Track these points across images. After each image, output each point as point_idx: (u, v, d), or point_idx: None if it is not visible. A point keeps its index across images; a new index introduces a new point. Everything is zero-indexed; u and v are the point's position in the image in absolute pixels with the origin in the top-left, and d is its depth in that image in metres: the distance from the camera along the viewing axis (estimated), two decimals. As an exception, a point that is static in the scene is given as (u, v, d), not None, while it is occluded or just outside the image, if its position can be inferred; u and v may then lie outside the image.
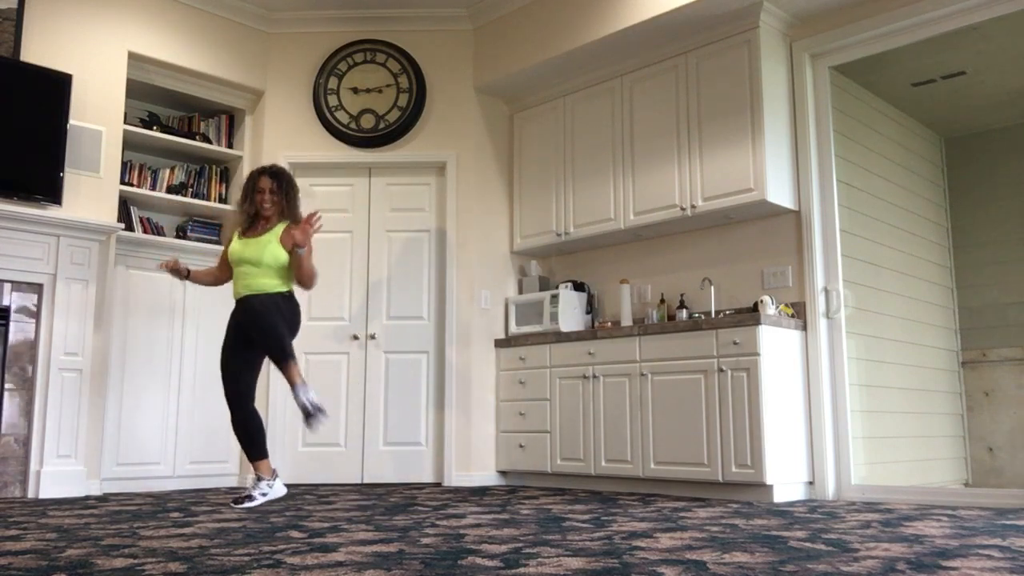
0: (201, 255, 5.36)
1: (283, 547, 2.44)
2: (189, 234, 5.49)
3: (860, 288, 4.95)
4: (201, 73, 5.43)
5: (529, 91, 5.72)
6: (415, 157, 5.64)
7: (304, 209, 4.33)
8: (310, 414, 3.79)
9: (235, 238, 4.19)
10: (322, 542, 2.55)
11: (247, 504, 3.83)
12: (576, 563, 2.13)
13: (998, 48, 5.10)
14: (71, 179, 4.70)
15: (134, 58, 5.13)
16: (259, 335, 3.98)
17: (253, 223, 4.18)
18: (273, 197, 4.12)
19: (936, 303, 6.07)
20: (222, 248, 4.60)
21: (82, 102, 4.79)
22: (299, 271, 4.08)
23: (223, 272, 4.31)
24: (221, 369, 4.12)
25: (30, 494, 4.37)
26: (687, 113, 4.85)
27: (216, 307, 5.40)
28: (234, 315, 4.15)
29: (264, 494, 3.93)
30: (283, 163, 5.60)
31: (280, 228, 4.13)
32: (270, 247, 4.07)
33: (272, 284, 4.07)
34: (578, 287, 5.42)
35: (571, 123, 5.50)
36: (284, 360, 3.92)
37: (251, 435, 4.01)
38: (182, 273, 4.18)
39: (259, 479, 3.96)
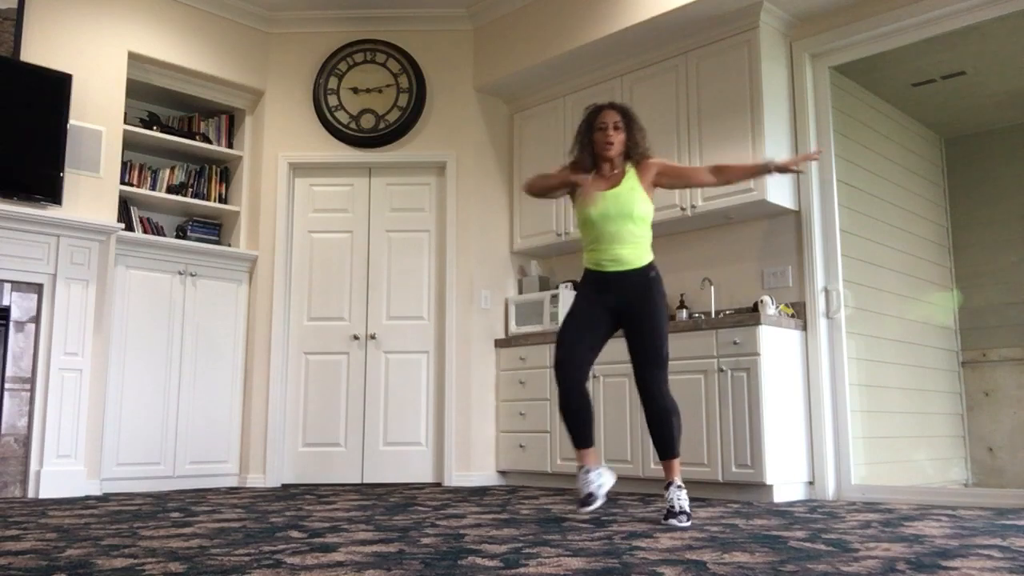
0: (201, 255, 5.36)
1: (283, 547, 2.44)
2: (189, 234, 5.49)
3: (860, 288, 4.95)
4: (201, 73, 5.43)
5: (529, 91, 5.72)
6: (415, 157, 5.64)
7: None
8: (675, 513, 3.08)
9: (586, 198, 3.30)
10: (322, 542, 2.55)
11: (595, 505, 3.20)
12: (576, 563, 2.13)
13: (998, 48, 5.10)
14: (71, 179, 4.70)
15: (134, 58, 5.13)
16: (648, 335, 3.22)
17: (597, 170, 3.34)
18: (619, 135, 3.29)
19: (936, 303, 6.07)
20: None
21: (82, 102, 4.79)
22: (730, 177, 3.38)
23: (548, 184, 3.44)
24: (559, 344, 3.27)
25: (30, 494, 4.37)
26: (687, 113, 4.85)
27: (216, 307, 5.40)
28: (591, 285, 3.33)
29: (600, 485, 3.23)
30: (283, 163, 5.61)
31: (633, 173, 3.32)
32: (638, 196, 3.27)
33: (647, 254, 3.31)
34: (578, 287, 5.41)
35: (571, 123, 5.49)
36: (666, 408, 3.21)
37: (585, 421, 3.27)
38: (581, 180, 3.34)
39: (588, 470, 3.24)
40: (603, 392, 4.81)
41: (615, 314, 3.28)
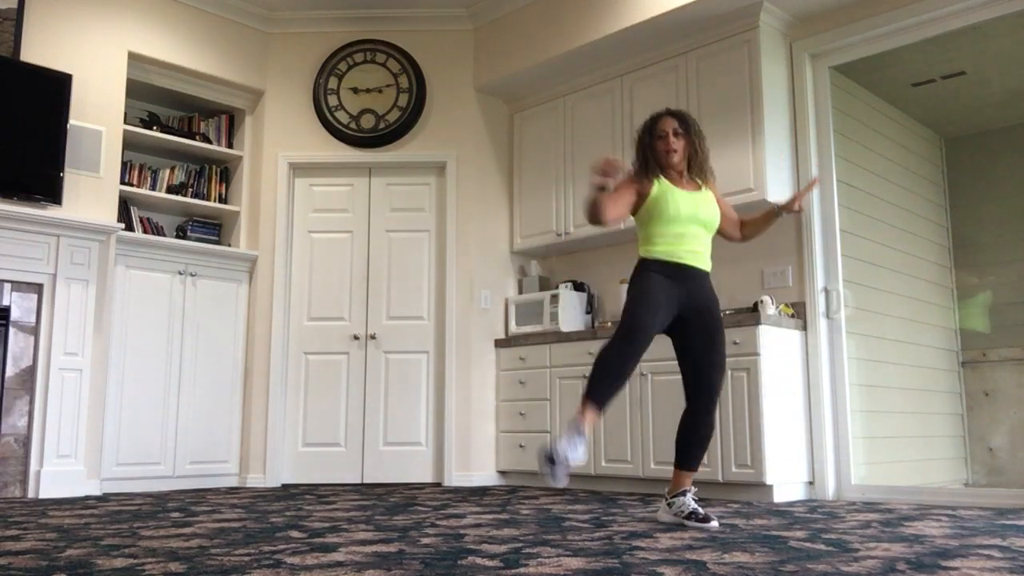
0: (201, 255, 5.36)
1: (283, 547, 2.44)
2: (189, 234, 5.49)
3: (860, 288, 4.95)
4: (201, 73, 5.43)
5: (529, 91, 5.72)
6: (415, 157, 5.64)
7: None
8: (707, 517, 3.03)
9: (667, 188, 3.19)
10: (322, 542, 2.55)
11: (713, 522, 3.02)
12: (576, 563, 2.13)
13: (998, 48, 5.10)
14: (71, 179, 4.70)
15: (134, 58, 5.13)
16: (711, 341, 3.14)
17: (667, 176, 3.25)
18: (679, 141, 3.22)
19: (936, 303, 6.07)
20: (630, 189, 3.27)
21: (82, 102, 4.79)
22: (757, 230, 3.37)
23: (626, 208, 3.25)
24: (637, 318, 3.07)
25: (30, 494, 4.37)
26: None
27: (216, 307, 5.40)
28: (666, 275, 3.13)
29: (579, 458, 2.94)
30: (283, 163, 5.61)
31: (710, 187, 3.29)
32: (715, 207, 3.26)
33: (709, 258, 3.26)
34: (578, 287, 5.42)
35: (571, 123, 5.50)
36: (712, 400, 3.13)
37: (619, 389, 3.06)
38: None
39: (581, 431, 2.96)
40: (603, 392, 4.81)
41: (679, 308, 3.14)
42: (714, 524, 2.99)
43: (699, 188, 3.26)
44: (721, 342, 3.16)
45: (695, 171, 3.27)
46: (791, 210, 3.32)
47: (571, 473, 2.84)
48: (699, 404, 3.13)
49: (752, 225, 3.42)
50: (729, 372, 4.25)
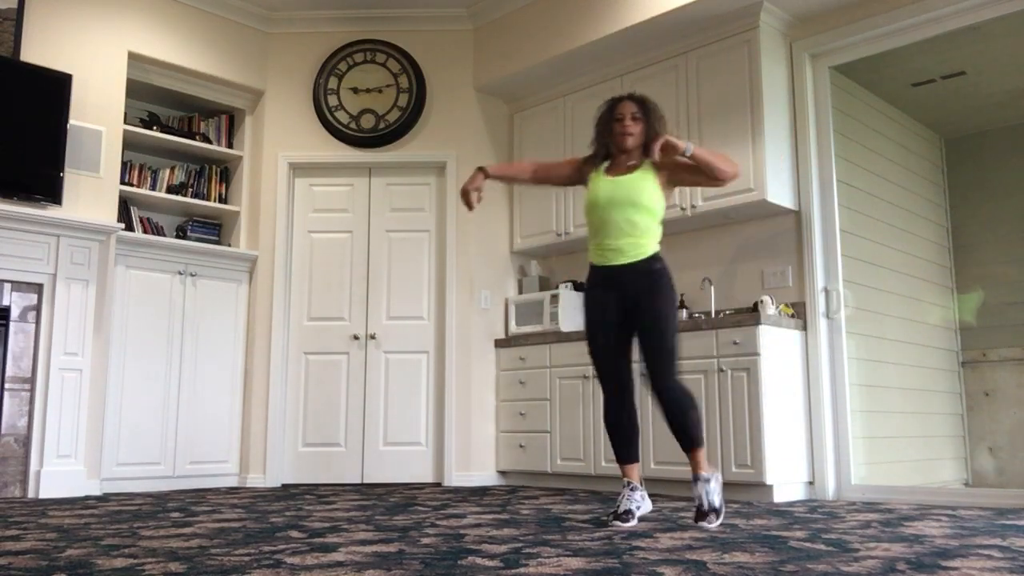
0: (201, 255, 5.36)
1: (283, 547, 2.44)
2: (189, 234, 5.49)
3: (860, 288, 4.95)
4: (201, 73, 5.43)
5: (529, 91, 5.72)
6: (415, 157, 5.64)
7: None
8: (704, 513, 3.06)
9: (597, 175, 3.29)
10: (322, 542, 2.55)
11: (631, 523, 3.08)
12: (576, 563, 2.13)
13: (998, 48, 5.10)
14: (71, 179, 4.70)
15: (134, 58, 5.13)
16: (652, 329, 3.14)
17: (614, 161, 3.29)
18: (637, 125, 3.21)
19: (936, 303, 6.07)
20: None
21: (82, 102, 4.79)
22: (712, 175, 3.17)
23: (546, 172, 3.48)
24: (594, 355, 3.25)
25: (30, 494, 4.37)
26: (687, 113, 4.85)
27: (216, 307, 5.40)
28: (600, 283, 3.26)
29: (639, 506, 3.17)
30: (283, 163, 5.61)
31: (649, 164, 3.24)
32: (648, 186, 3.19)
33: (647, 244, 3.19)
34: (578, 287, 5.41)
35: (571, 123, 5.50)
36: (675, 390, 3.11)
37: (629, 436, 3.27)
38: (480, 183, 3.38)
39: (634, 487, 3.21)
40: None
41: (624, 309, 3.19)
42: (704, 524, 3.01)
43: (632, 171, 3.22)
44: (659, 330, 3.12)
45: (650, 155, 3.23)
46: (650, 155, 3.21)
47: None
48: (654, 392, 3.15)
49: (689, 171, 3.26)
50: (729, 372, 4.26)
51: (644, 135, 3.21)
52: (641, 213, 3.16)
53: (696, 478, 3.10)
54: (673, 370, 3.12)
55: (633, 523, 3.06)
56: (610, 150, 3.29)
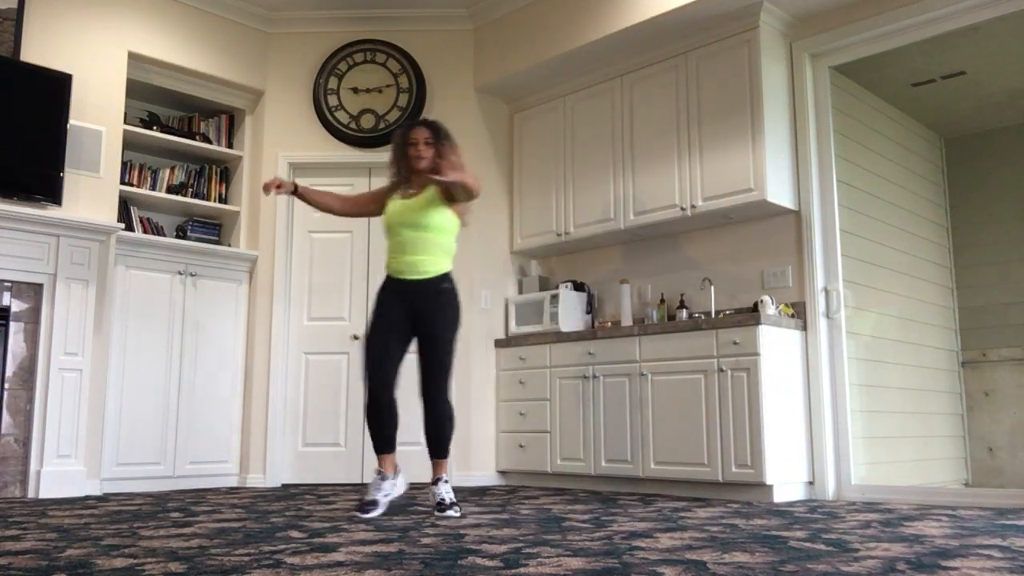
0: (201, 255, 5.36)
1: (283, 547, 2.44)
2: (189, 234, 5.49)
3: (860, 288, 4.95)
4: (201, 73, 5.43)
5: (529, 91, 5.72)
6: (415, 157, 5.63)
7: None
8: (447, 506, 3.37)
9: (393, 198, 3.60)
10: (322, 542, 2.55)
11: (374, 513, 3.35)
12: (576, 563, 2.13)
13: (998, 48, 5.10)
14: (71, 179, 4.70)
15: (134, 58, 5.13)
16: (430, 343, 3.46)
17: (407, 185, 3.59)
18: (429, 150, 3.52)
19: (936, 303, 6.07)
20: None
21: (82, 102, 4.79)
22: (459, 203, 3.50)
23: (355, 206, 3.80)
24: (367, 351, 3.48)
25: (30, 494, 4.37)
26: (687, 113, 4.85)
27: (216, 307, 5.40)
28: (391, 291, 3.53)
29: (387, 495, 3.46)
30: (283, 163, 5.61)
31: (435, 188, 3.50)
32: (434, 207, 3.48)
33: (439, 263, 3.49)
34: (578, 287, 5.42)
35: (571, 123, 5.50)
36: (441, 401, 3.46)
37: (388, 428, 3.47)
38: (288, 187, 3.63)
39: (385, 477, 3.46)
40: (603, 392, 4.81)
41: (411, 321, 3.49)
42: (451, 513, 3.32)
43: (420, 193, 3.52)
44: (438, 346, 3.45)
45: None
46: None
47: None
48: (423, 402, 3.49)
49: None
50: (729, 372, 4.26)
51: (435, 160, 3.51)
52: (430, 232, 3.48)
53: (437, 479, 3.46)
54: (446, 385, 3.47)
55: (376, 513, 3.34)
56: (403, 174, 3.60)
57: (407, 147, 3.57)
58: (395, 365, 3.49)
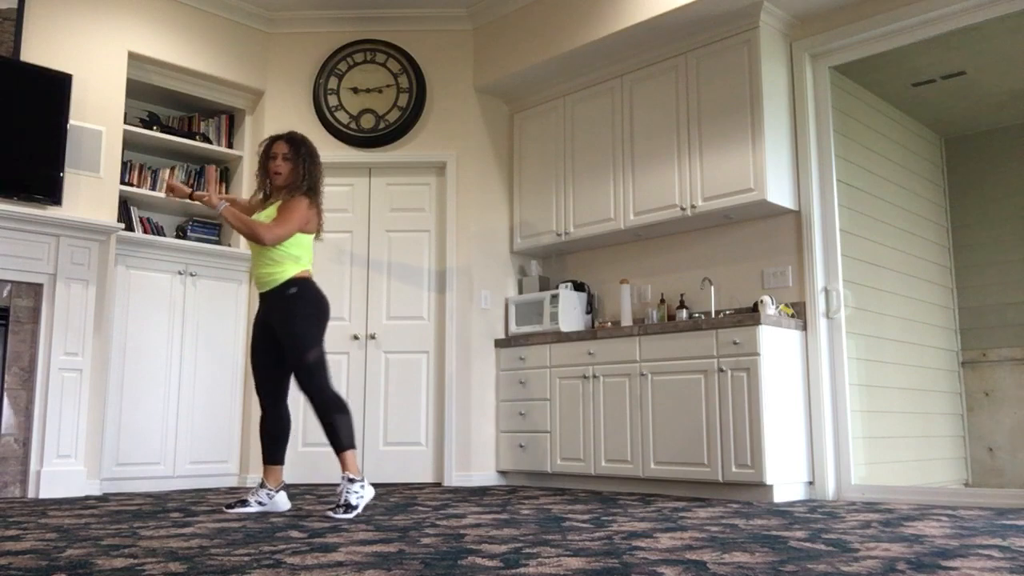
0: (201, 255, 5.36)
1: (283, 547, 2.44)
2: (189, 234, 5.49)
3: (860, 288, 4.95)
4: (201, 73, 5.43)
5: (529, 91, 5.72)
6: (415, 157, 5.64)
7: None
8: (337, 507, 3.40)
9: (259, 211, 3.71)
10: (322, 542, 2.55)
11: (244, 509, 3.56)
12: (576, 563, 2.13)
13: (998, 48, 5.10)
14: (71, 179, 4.70)
15: (134, 58, 5.13)
16: (286, 347, 3.56)
17: (272, 195, 3.69)
18: (286, 165, 3.58)
19: (936, 303, 6.07)
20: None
21: (82, 102, 4.79)
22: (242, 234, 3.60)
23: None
24: (253, 368, 3.70)
25: (30, 494, 4.37)
26: (687, 113, 4.85)
27: (217, 306, 5.40)
28: (261, 306, 3.68)
29: (260, 502, 3.61)
30: (283, 163, 5.60)
31: (279, 202, 3.59)
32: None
33: (278, 273, 3.56)
34: (578, 287, 5.42)
35: (571, 123, 5.50)
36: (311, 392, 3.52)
37: (275, 441, 3.63)
38: (181, 192, 3.72)
39: (269, 492, 3.62)
40: (603, 392, 4.81)
41: (271, 330, 3.59)
42: (330, 514, 3.34)
43: (266, 208, 3.60)
44: (292, 346, 3.51)
45: (294, 191, 3.57)
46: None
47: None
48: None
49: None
50: (729, 372, 4.26)
51: (292, 174, 3.58)
52: (262, 248, 3.55)
53: (342, 477, 3.48)
54: (313, 381, 3.49)
55: (245, 510, 3.52)
56: (264, 186, 3.71)
57: (268, 160, 3.64)
58: (275, 382, 3.63)
